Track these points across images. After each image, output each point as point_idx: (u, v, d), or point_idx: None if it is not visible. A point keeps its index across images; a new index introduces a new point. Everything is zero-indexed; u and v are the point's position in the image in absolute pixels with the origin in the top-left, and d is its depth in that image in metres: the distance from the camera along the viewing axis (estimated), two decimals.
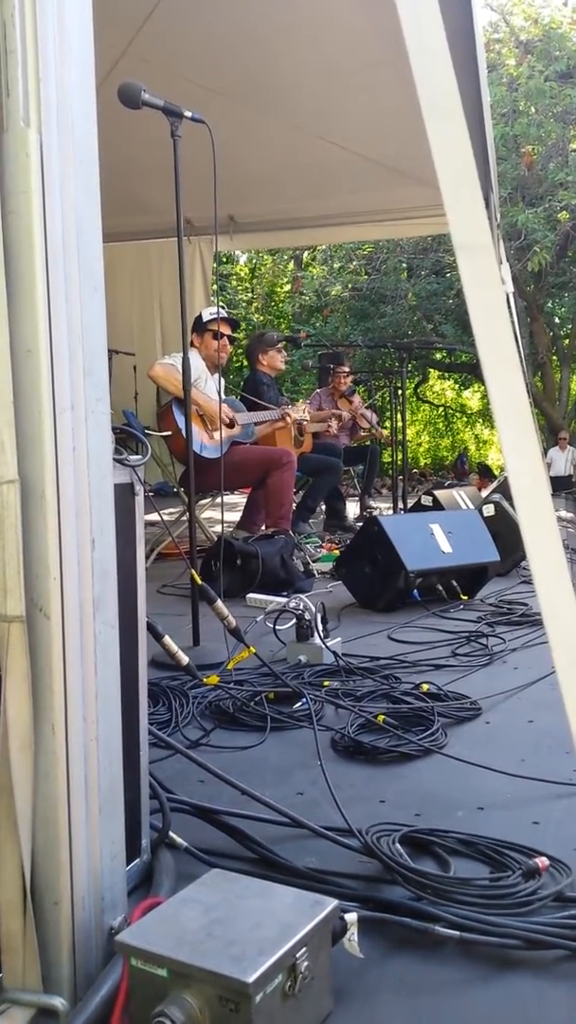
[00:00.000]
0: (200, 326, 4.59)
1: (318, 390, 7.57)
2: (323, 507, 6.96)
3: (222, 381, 4.54)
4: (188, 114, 2.66)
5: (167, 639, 1.93)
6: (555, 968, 1.10)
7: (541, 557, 0.85)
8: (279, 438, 5.34)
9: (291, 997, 0.94)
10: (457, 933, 1.12)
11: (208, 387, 4.48)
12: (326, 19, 4.55)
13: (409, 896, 1.22)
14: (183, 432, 4.16)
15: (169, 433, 4.34)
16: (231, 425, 4.60)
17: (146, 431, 4.59)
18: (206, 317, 4.57)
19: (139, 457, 1.28)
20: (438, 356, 18.58)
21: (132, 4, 4.49)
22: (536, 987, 1.06)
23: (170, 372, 4.26)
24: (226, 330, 4.64)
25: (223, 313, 4.65)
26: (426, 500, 4.59)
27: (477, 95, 4.55)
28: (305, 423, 5.60)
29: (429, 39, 0.78)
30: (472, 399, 23.41)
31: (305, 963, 0.95)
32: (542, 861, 1.28)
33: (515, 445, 0.83)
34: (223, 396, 4.64)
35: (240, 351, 13.42)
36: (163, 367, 4.31)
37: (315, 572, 4.21)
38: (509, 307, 7.37)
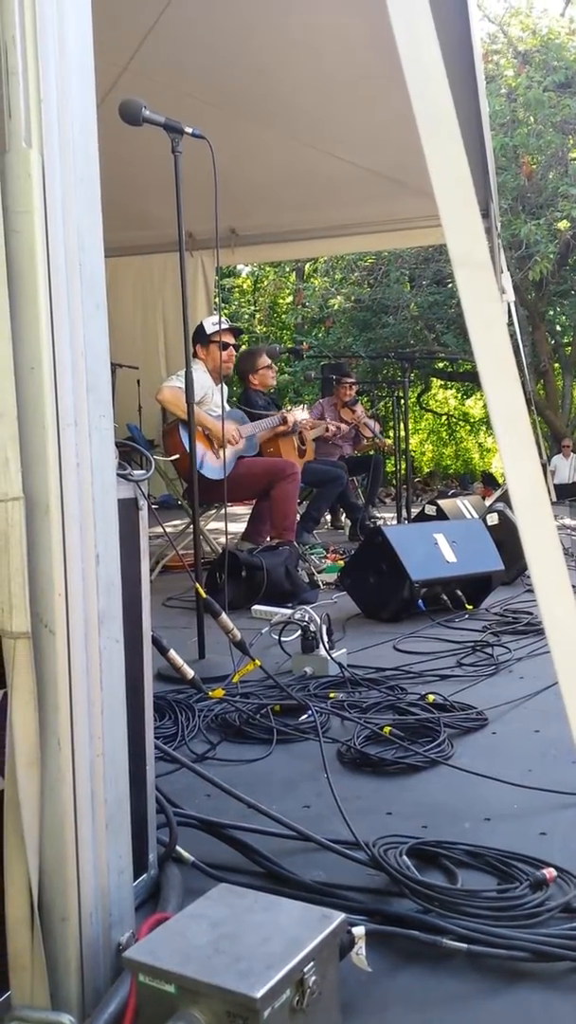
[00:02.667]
0: (204, 338, 4.55)
1: (321, 400, 7.59)
2: (343, 519, 7.00)
3: (225, 391, 4.52)
4: (189, 130, 2.68)
5: (172, 653, 1.93)
6: (564, 980, 1.09)
7: (542, 565, 0.85)
8: (283, 447, 5.34)
9: (299, 1012, 0.93)
10: (465, 945, 1.12)
11: (216, 400, 4.46)
12: (324, 32, 4.59)
13: (417, 909, 1.22)
14: (188, 452, 4.17)
15: (177, 456, 4.31)
16: (237, 441, 4.58)
17: (151, 445, 4.60)
18: (209, 329, 4.54)
19: (143, 472, 1.28)
20: (440, 365, 18.62)
21: (133, 21, 4.54)
22: (544, 999, 1.06)
23: (178, 396, 4.15)
24: (230, 339, 4.60)
25: (225, 323, 4.63)
26: (430, 510, 4.59)
27: (476, 106, 4.58)
28: (304, 428, 5.60)
29: (424, 56, 0.78)
30: (475, 407, 23.44)
31: (313, 977, 0.95)
32: (549, 872, 1.28)
33: (515, 455, 0.84)
34: (227, 408, 4.64)
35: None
36: (171, 391, 4.22)
37: (320, 583, 4.21)
38: (510, 316, 7.38)
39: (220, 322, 4.54)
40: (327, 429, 6.63)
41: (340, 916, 1.01)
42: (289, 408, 5.42)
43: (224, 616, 2.33)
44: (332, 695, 2.29)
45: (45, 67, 0.99)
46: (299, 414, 5.30)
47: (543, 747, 1.94)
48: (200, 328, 4.56)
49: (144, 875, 1.28)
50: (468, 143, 0.77)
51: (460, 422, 24.70)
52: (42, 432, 0.98)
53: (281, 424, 5.11)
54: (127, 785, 1.10)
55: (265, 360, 5.58)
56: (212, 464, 4.31)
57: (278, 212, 7.07)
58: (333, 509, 7.31)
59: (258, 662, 2.28)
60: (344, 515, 7.11)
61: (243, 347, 6.18)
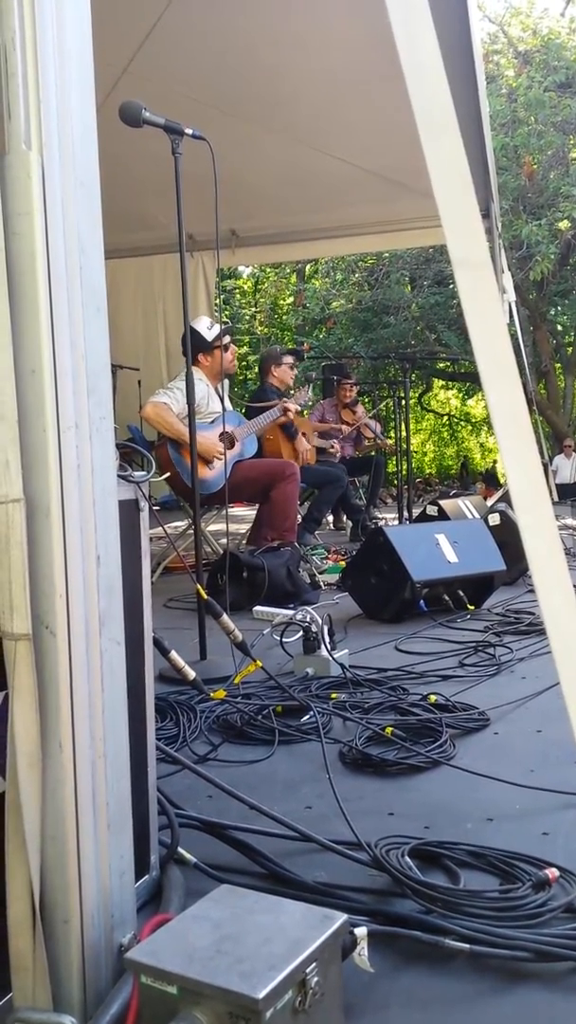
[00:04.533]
0: (207, 345, 4.48)
1: (322, 401, 7.60)
2: (345, 520, 7.02)
3: (227, 384, 4.50)
4: (189, 131, 2.69)
5: (174, 654, 1.93)
6: (566, 980, 1.09)
7: (543, 566, 0.85)
8: (283, 443, 5.33)
9: (301, 1013, 0.93)
10: (467, 946, 1.12)
11: (210, 407, 4.44)
12: (325, 32, 4.59)
13: (419, 909, 1.22)
14: (176, 467, 4.19)
15: (168, 475, 4.29)
16: (231, 445, 4.56)
17: (152, 447, 4.59)
18: (209, 336, 4.50)
19: (143, 473, 1.28)
20: (441, 366, 18.63)
21: (132, 23, 4.54)
22: (547, 999, 1.06)
23: (161, 413, 4.13)
24: (226, 339, 4.59)
25: (218, 327, 4.60)
26: (431, 510, 4.59)
27: (476, 106, 4.58)
28: (307, 432, 5.59)
29: (423, 55, 0.78)
30: (476, 407, 23.44)
31: (315, 978, 0.95)
32: (552, 872, 1.28)
33: (515, 455, 0.84)
34: (228, 409, 4.62)
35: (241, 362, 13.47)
36: (154, 408, 4.15)
37: (321, 584, 4.21)
38: (511, 316, 7.37)
39: (221, 326, 4.52)
40: (332, 446, 6.66)
41: (342, 917, 1.01)
42: (292, 393, 5.38)
43: (225, 617, 2.33)
44: (334, 696, 2.29)
45: (45, 69, 0.99)
46: (295, 405, 5.25)
47: (545, 747, 1.94)
48: (199, 336, 4.45)
49: (146, 876, 1.28)
50: (468, 143, 0.77)
51: (462, 422, 24.71)
52: (43, 434, 0.98)
53: (282, 416, 5.07)
54: (128, 786, 1.09)
55: (288, 359, 5.61)
56: (206, 478, 4.30)
57: (278, 213, 7.08)
58: (334, 510, 7.31)
59: (259, 663, 2.28)
60: (345, 516, 7.11)
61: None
